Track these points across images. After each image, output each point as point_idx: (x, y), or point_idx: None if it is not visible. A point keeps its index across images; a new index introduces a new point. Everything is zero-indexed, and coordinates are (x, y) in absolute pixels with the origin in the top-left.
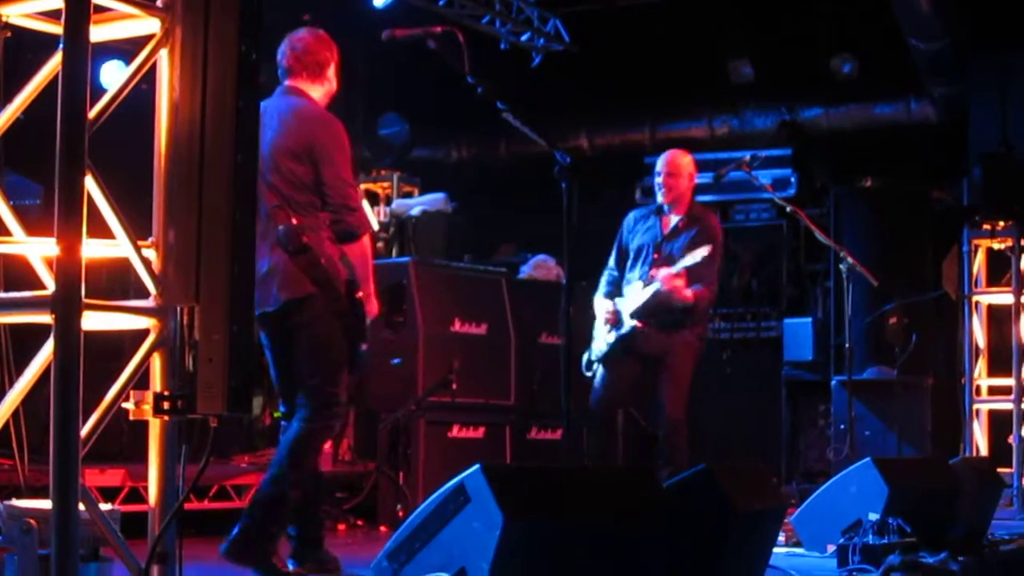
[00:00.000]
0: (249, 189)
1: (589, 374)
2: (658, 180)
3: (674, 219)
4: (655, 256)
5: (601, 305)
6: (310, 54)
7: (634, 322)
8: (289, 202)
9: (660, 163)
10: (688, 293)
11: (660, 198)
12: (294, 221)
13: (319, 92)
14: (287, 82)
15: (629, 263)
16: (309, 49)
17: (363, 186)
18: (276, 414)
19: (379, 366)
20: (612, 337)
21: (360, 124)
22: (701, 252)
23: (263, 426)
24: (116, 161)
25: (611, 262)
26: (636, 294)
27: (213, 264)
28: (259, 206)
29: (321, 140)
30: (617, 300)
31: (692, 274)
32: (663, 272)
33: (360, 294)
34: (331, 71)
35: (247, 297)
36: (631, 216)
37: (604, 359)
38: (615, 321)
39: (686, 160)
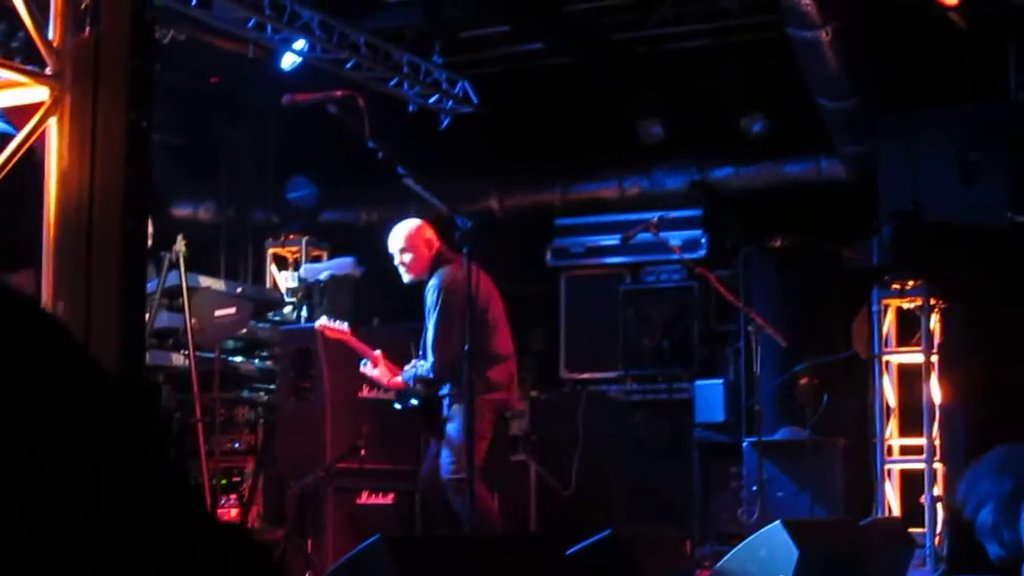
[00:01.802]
0: (139, 258)
1: None
2: (397, 262)
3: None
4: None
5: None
6: None
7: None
8: None
9: (392, 244)
10: (400, 380)
11: (406, 279)
12: None
13: None
14: None
15: None
16: None
17: (271, 251)
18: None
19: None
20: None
21: (268, 187)
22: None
23: None
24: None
25: None
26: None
27: (103, 334)
28: None
29: None
30: None
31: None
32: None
33: None
34: None
35: (138, 366)
36: None
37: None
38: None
39: (415, 228)
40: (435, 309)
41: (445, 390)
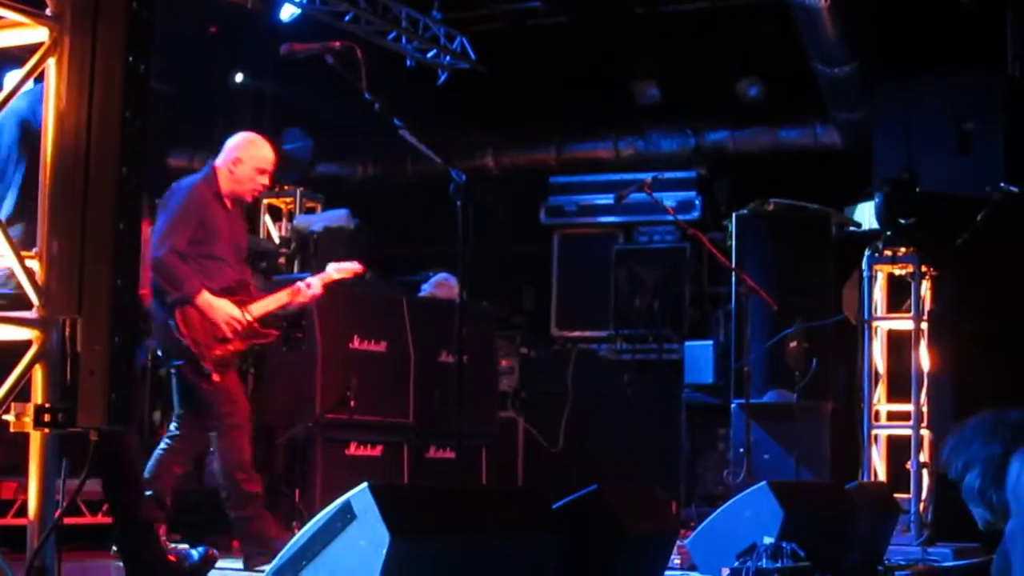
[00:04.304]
0: (134, 201)
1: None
2: (263, 178)
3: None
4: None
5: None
6: None
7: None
8: None
9: (270, 158)
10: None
11: (249, 196)
12: None
13: None
14: None
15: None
16: None
17: (266, 201)
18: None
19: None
20: (241, 345)
21: (265, 138)
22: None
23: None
24: None
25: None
26: (271, 300)
27: (96, 276)
28: None
29: None
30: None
31: None
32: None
33: None
34: None
35: (130, 309)
36: (200, 191)
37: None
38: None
39: None
40: None
41: None
